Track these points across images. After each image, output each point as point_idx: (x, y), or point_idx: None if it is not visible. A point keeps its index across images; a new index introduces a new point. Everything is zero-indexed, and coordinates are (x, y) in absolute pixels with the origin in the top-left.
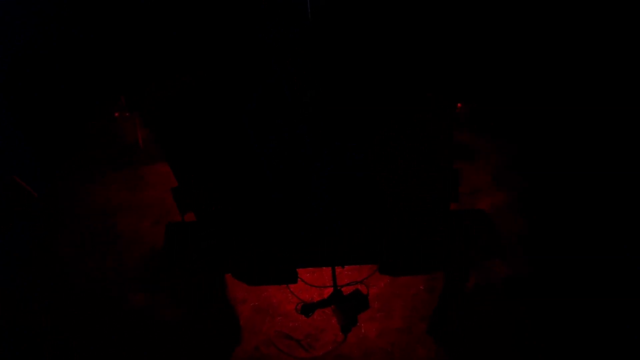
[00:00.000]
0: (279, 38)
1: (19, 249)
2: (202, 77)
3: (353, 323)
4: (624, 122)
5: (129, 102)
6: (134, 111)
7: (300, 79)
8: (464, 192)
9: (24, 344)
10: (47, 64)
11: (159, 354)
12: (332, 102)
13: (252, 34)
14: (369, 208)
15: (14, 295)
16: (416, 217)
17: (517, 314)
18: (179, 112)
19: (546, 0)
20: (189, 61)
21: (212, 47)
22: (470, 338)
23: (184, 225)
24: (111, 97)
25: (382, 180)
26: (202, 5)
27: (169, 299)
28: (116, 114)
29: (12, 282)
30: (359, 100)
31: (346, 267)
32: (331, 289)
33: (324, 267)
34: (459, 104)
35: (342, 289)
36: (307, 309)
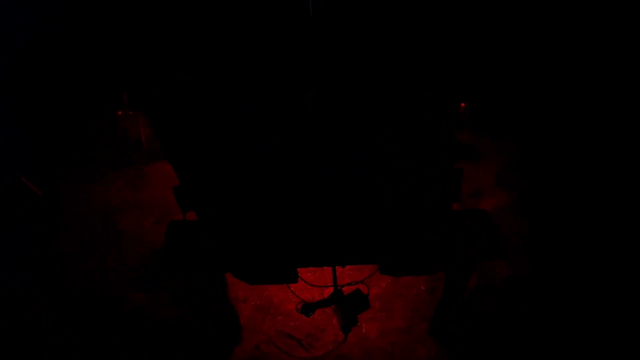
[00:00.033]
0: (279, 38)
1: (19, 249)
2: (202, 77)
3: (353, 323)
4: (624, 122)
5: (132, 100)
6: (137, 110)
7: (300, 79)
8: (466, 192)
9: (24, 344)
10: (47, 64)
11: (159, 353)
12: (332, 102)
13: (252, 34)
14: (369, 208)
15: (14, 295)
16: (416, 217)
17: (517, 314)
18: (179, 112)
19: (547, 1)
20: (189, 61)
21: (212, 47)
22: (470, 338)
23: (185, 224)
24: (113, 95)
25: (382, 180)
26: (202, 5)
27: (169, 298)
28: (119, 113)
29: (12, 282)
30: (359, 100)
31: (348, 267)
32: (332, 289)
33: (325, 267)
34: (462, 104)
35: (343, 289)
36: (308, 308)
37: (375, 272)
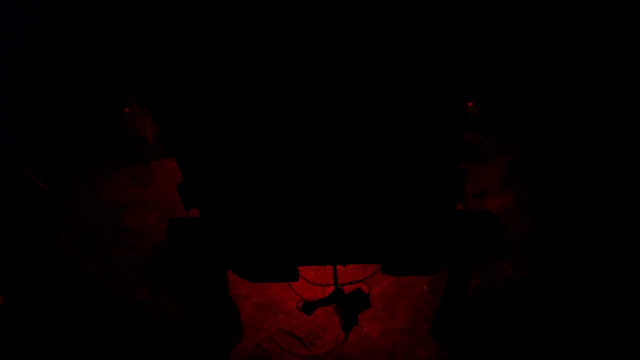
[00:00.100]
0: (279, 38)
1: (19, 249)
2: (202, 77)
3: (354, 322)
4: (629, 122)
5: (139, 97)
6: (144, 106)
7: (300, 79)
8: (471, 192)
9: (24, 344)
10: (47, 64)
11: (160, 353)
12: (332, 102)
13: (252, 34)
14: (369, 208)
15: (14, 295)
16: (416, 217)
17: (517, 314)
18: (179, 112)
19: (551, 1)
20: (189, 61)
21: (212, 47)
22: (470, 338)
23: (187, 221)
24: (117, 93)
25: (382, 180)
26: (202, 5)
27: (170, 298)
28: (126, 109)
29: (12, 282)
30: (359, 100)
31: (350, 266)
32: (333, 287)
33: (326, 266)
34: (469, 103)
35: (344, 288)
36: (308, 306)
37: (376, 271)
